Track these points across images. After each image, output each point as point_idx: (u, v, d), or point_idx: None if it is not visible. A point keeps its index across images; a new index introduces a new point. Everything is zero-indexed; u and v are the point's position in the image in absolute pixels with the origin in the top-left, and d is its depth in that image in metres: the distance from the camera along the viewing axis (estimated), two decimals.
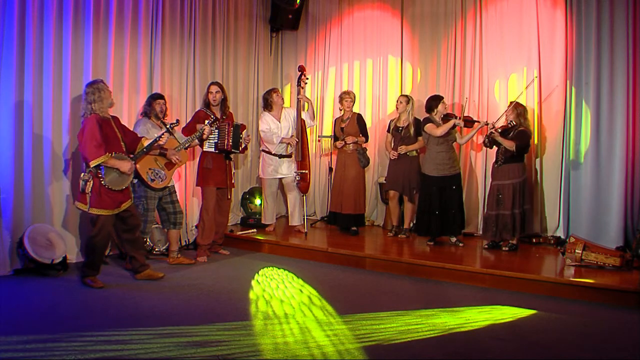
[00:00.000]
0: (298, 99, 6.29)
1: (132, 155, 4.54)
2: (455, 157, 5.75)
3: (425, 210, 5.71)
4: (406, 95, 6.13)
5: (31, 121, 4.73)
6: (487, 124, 5.60)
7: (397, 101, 6.09)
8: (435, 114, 5.75)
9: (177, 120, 5.01)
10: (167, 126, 4.88)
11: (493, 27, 6.26)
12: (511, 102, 5.57)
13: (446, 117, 5.72)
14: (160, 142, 4.74)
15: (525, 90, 5.81)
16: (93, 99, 4.33)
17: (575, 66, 5.77)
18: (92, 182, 4.29)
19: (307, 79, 6.47)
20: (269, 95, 6.23)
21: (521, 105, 5.52)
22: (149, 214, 5.09)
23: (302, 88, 6.32)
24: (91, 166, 4.26)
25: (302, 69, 6.40)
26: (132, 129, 4.89)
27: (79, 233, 5.14)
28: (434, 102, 5.78)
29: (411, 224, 6.17)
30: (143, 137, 4.82)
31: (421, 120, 5.91)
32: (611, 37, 5.49)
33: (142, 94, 5.55)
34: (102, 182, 4.30)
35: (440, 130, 5.60)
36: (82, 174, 4.36)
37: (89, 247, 4.44)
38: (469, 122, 5.72)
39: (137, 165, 4.79)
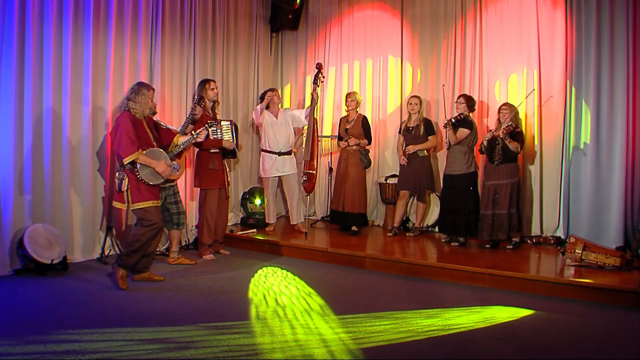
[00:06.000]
0: (312, 96, 6.18)
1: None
2: (455, 159, 5.67)
3: (442, 208, 5.90)
4: (418, 96, 6.14)
5: (31, 121, 4.73)
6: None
7: (409, 102, 6.11)
8: None
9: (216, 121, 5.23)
10: (206, 124, 4.92)
11: (493, 27, 6.25)
12: (504, 105, 5.57)
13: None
14: (199, 140, 4.84)
15: (526, 100, 5.82)
16: (130, 98, 4.38)
17: (575, 66, 5.77)
18: (127, 179, 4.30)
19: (324, 77, 6.38)
20: (266, 94, 6.28)
21: (513, 105, 5.58)
22: None
23: (318, 86, 6.22)
24: (125, 164, 4.26)
25: (319, 67, 6.23)
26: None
27: (83, 232, 5.16)
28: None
29: (422, 224, 6.29)
30: (177, 133, 4.82)
31: (430, 120, 6.08)
32: (611, 37, 5.49)
33: None
34: (139, 177, 4.30)
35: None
36: (117, 172, 4.36)
37: (135, 236, 4.36)
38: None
39: None
